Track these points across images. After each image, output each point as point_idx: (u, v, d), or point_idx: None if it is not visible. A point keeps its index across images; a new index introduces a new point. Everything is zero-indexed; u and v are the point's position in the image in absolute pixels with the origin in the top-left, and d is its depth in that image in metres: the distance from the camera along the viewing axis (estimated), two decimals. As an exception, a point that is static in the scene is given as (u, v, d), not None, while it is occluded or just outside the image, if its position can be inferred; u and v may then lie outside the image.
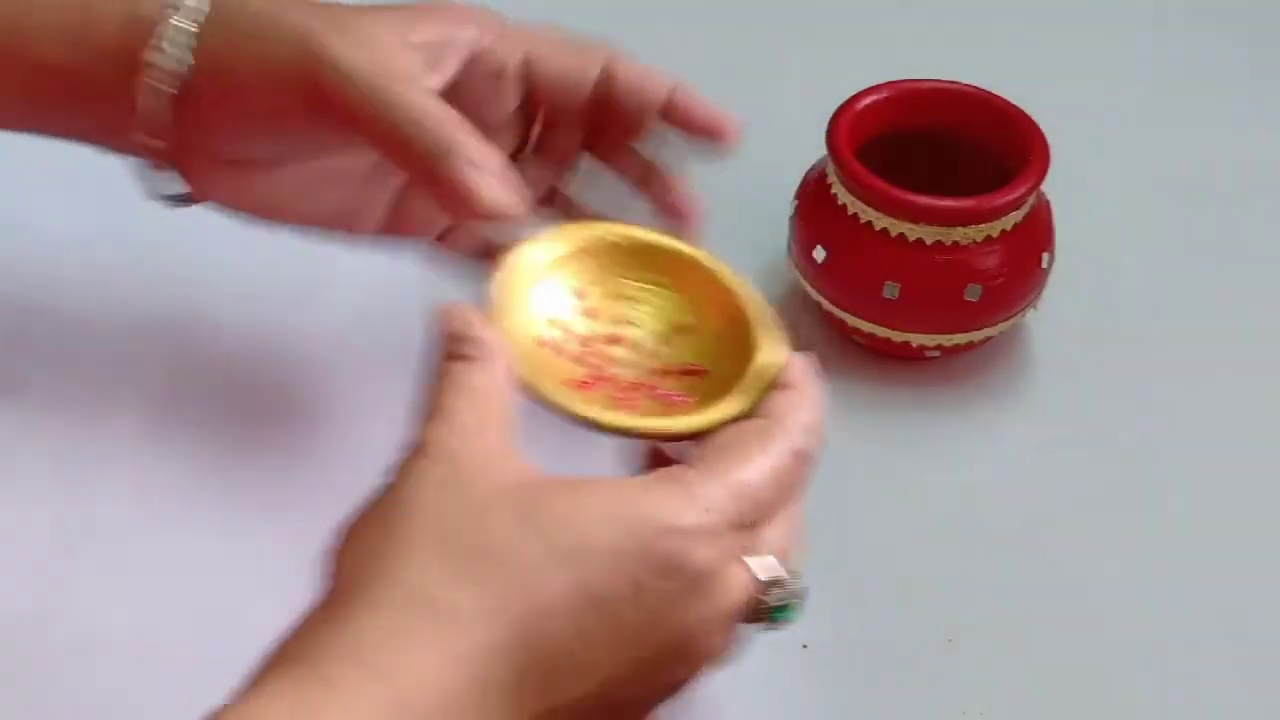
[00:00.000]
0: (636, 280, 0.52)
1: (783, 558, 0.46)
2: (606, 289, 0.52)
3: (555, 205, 0.59)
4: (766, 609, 0.45)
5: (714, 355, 0.51)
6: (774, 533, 0.46)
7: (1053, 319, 0.69)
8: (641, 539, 0.42)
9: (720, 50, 0.81)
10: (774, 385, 0.48)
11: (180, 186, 0.57)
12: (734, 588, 0.45)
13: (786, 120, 0.70)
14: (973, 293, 0.64)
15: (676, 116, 0.57)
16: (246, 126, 0.55)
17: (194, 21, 0.53)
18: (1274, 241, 0.75)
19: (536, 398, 0.48)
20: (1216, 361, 0.69)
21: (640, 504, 0.43)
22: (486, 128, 0.53)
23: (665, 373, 0.51)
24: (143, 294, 0.68)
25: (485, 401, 0.45)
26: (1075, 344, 0.70)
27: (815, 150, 0.67)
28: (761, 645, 0.57)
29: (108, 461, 0.62)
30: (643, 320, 0.52)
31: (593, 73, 0.56)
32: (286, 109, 0.53)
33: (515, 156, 0.58)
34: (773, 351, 0.50)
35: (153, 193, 0.57)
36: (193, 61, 0.53)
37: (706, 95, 0.57)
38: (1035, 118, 0.67)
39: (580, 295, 0.52)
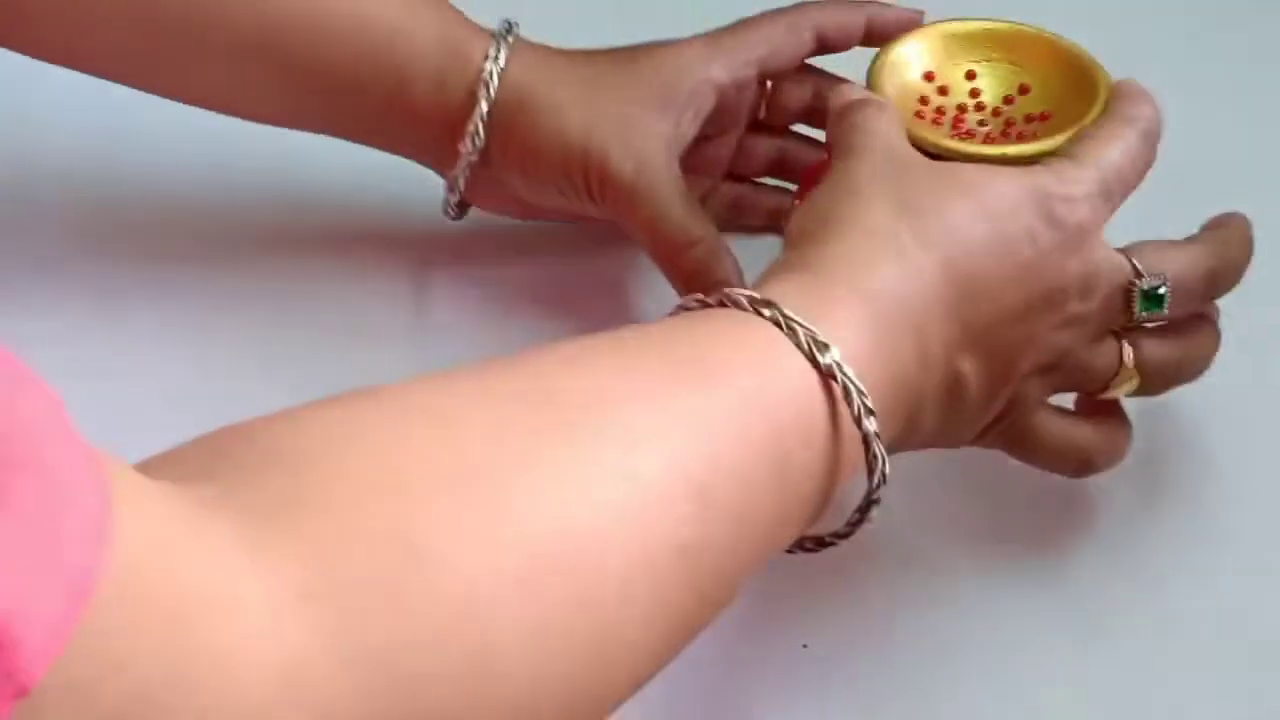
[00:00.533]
0: (975, 58, 0.62)
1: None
2: (953, 68, 0.62)
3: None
4: (1137, 292, 0.56)
5: (1057, 100, 0.60)
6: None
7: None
8: (1036, 197, 0.54)
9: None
10: (1112, 97, 0.58)
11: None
12: (1104, 257, 0.55)
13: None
14: None
15: (875, 39, 0.65)
16: (529, 193, 0.66)
17: (486, 100, 0.64)
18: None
19: (923, 145, 0.57)
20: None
21: (1034, 174, 0.55)
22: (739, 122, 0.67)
23: (1017, 123, 0.60)
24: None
25: (892, 124, 0.57)
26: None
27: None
28: (762, 646, 0.57)
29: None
30: (988, 87, 0.61)
31: (809, 44, 0.66)
32: (564, 192, 0.65)
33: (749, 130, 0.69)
34: (1106, 79, 0.60)
35: (442, 205, 0.68)
36: (487, 139, 0.64)
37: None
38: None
39: (931, 77, 0.62)
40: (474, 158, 0.65)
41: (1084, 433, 0.58)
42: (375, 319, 0.70)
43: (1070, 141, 0.57)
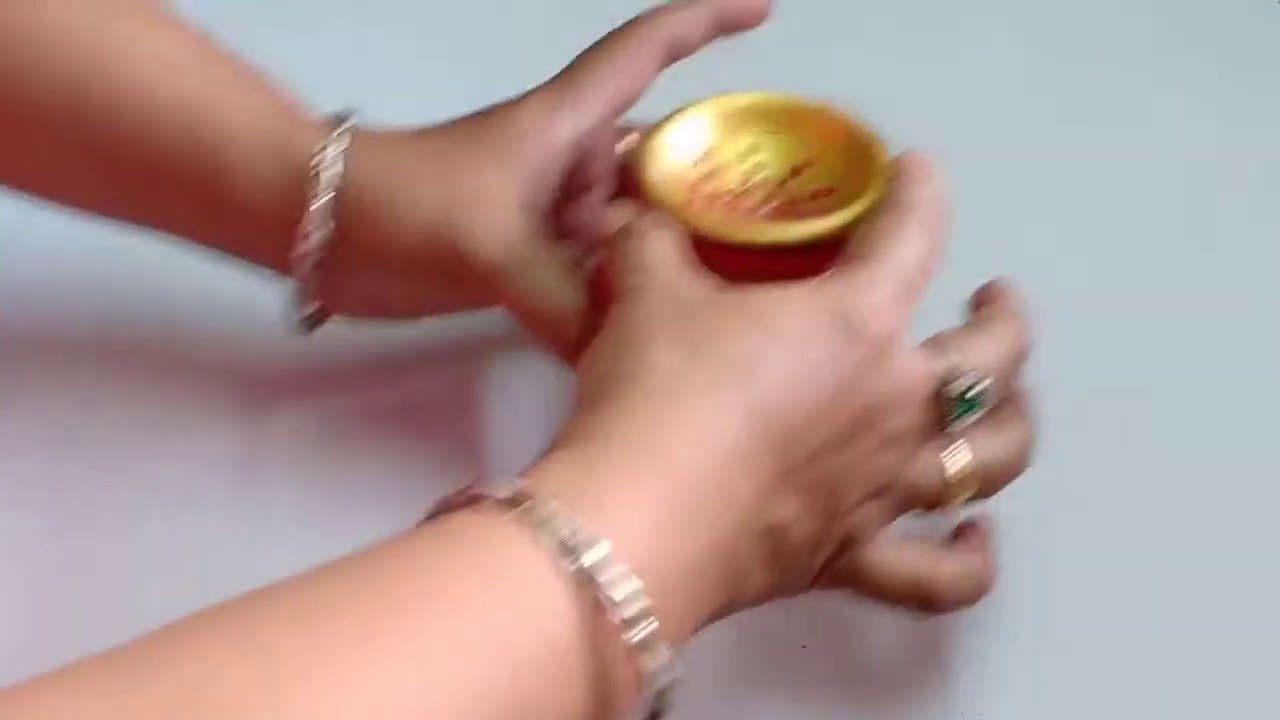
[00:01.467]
0: (754, 132, 0.60)
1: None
2: (731, 144, 0.59)
3: None
4: (951, 396, 0.52)
5: (839, 175, 0.58)
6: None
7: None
8: (833, 314, 0.49)
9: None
10: (893, 176, 0.55)
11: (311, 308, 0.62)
12: (912, 364, 0.51)
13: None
14: None
15: (727, 30, 0.62)
16: (388, 290, 0.61)
17: (331, 188, 0.58)
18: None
19: (702, 236, 0.55)
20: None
21: (826, 288, 0.50)
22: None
23: (800, 200, 0.58)
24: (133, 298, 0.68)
25: (670, 253, 0.53)
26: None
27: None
28: (760, 646, 0.57)
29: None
30: (769, 163, 0.59)
31: (658, 64, 0.61)
32: (427, 282, 0.59)
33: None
34: (883, 150, 0.57)
35: (288, 317, 0.61)
36: (333, 226, 0.58)
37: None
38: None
39: (710, 154, 0.59)
40: (315, 259, 0.59)
41: (927, 563, 0.54)
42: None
43: (857, 220, 0.55)
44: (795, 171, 0.59)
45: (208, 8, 0.81)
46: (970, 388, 0.52)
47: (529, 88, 0.61)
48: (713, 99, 0.60)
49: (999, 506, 0.62)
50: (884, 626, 0.59)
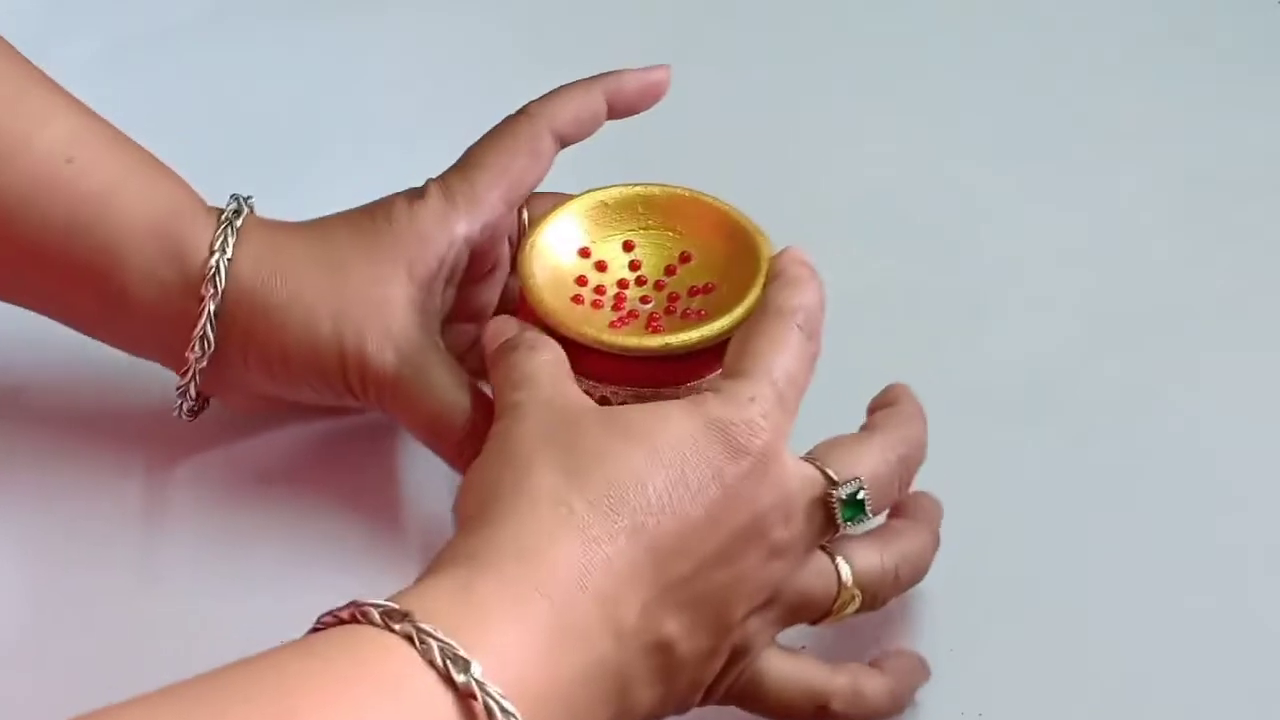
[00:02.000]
0: (631, 227, 0.59)
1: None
2: (608, 241, 0.58)
3: None
4: (836, 502, 0.51)
5: (721, 270, 0.57)
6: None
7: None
8: (713, 430, 0.49)
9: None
10: (772, 277, 0.54)
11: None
12: (795, 474, 0.51)
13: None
14: None
15: (621, 113, 0.61)
16: (279, 392, 0.60)
17: (220, 295, 0.57)
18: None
19: (583, 343, 0.54)
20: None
21: (706, 404, 0.50)
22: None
23: (681, 297, 0.58)
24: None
25: (551, 369, 0.52)
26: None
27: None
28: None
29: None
30: (647, 258, 0.58)
31: (550, 152, 0.60)
32: (320, 391, 0.59)
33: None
34: (769, 251, 0.56)
35: (176, 405, 0.60)
36: (219, 333, 0.57)
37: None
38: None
39: (588, 253, 0.58)
40: (204, 364, 0.58)
41: (821, 676, 0.53)
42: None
43: (739, 322, 0.54)
44: (674, 267, 0.58)
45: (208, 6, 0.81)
46: (855, 493, 0.52)
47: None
48: (587, 194, 0.59)
49: (1005, 509, 0.63)
50: (886, 627, 0.59)
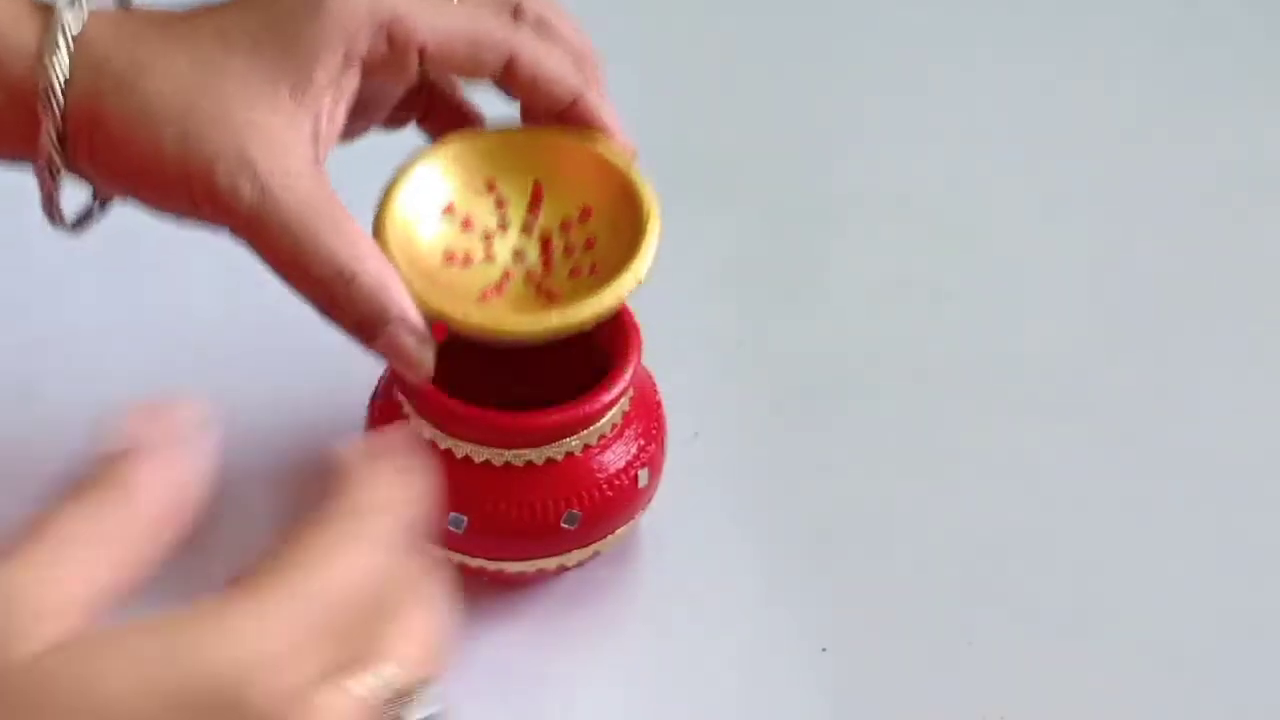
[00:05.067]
0: (502, 175, 0.53)
1: (410, 659, 0.34)
2: (475, 191, 0.53)
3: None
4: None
5: (603, 222, 0.52)
6: (395, 630, 0.34)
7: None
8: (169, 688, 0.31)
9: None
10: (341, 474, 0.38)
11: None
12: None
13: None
14: (570, 519, 0.54)
15: (573, 121, 0.53)
16: (139, 204, 0.50)
17: (62, 73, 0.47)
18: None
19: (450, 323, 0.49)
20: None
21: (170, 644, 0.32)
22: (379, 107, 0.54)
23: (567, 254, 0.52)
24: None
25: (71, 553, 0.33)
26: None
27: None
28: (781, 650, 0.57)
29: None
30: (516, 211, 0.53)
31: (491, 69, 0.51)
32: (176, 213, 0.49)
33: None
34: (652, 227, 0.51)
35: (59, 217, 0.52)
36: (67, 145, 0.48)
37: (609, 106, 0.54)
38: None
39: (451, 208, 0.52)
40: (58, 159, 0.49)
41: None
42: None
43: (624, 297, 0.49)
44: (565, 224, 0.52)
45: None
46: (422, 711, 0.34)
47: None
48: (444, 144, 0.53)
49: (1025, 508, 0.63)
50: (904, 629, 0.59)
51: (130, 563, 0.33)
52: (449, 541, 0.54)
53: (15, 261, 0.68)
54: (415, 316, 0.47)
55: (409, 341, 0.48)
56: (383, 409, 0.56)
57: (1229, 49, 0.85)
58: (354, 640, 0.33)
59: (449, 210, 0.52)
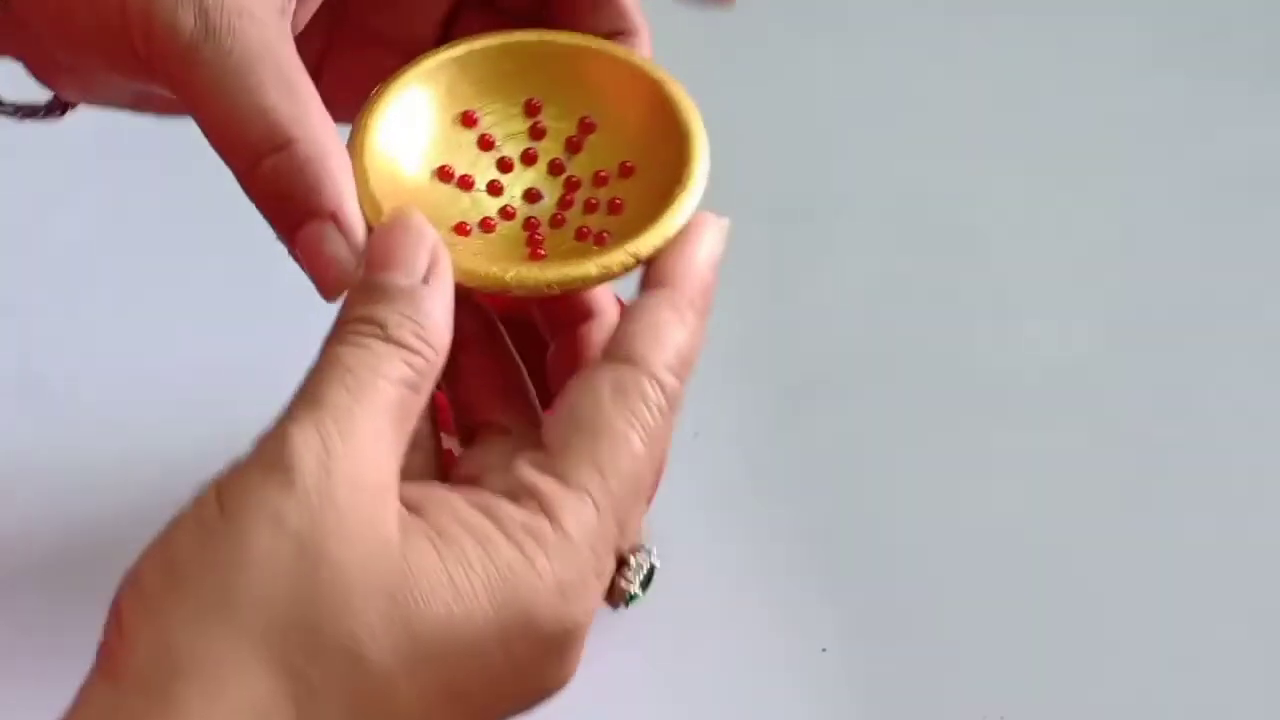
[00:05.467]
0: (528, 89, 0.43)
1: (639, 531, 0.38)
2: (496, 108, 0.43)
3: None
4: (629, 596, 0.38)
5: (641, 148, 0.42)
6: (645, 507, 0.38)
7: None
8: (518, 628, 0.35)
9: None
10: (653, 279, 0.39)
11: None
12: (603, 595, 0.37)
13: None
14: None
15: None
16: (66, 57, 0.41)
17: None
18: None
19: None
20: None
21: (516, 585, 0.35)
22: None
23: (588, 184, 0.42)
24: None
25: (381, 412, 0.35)
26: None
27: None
28: (782, 650, 0.57)
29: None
30: (548, 129, 0.43)
31: None
32: (108, 58, 0.40)
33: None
34: (698, 167, 0.41)
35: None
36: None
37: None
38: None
39: (466, 123, 0.43)
40: None
41: None
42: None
43: (665, 245, 0.39)
44: (576, 140, 0.43)
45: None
46: (648, 575, 0.38)
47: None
48: (430, 55, 0.42)
49: (1027, 509, 0.63)
50: (904, 629, 0.59)
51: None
52: None
53: (16, 261, 0.68)
54: (354, 215, 0.37)
55: (333, 248, 0.37)
56: None
57: (1230, 49, 0.84)
58: (628, 530, 0.37)
59: (466, 120, 0.43)
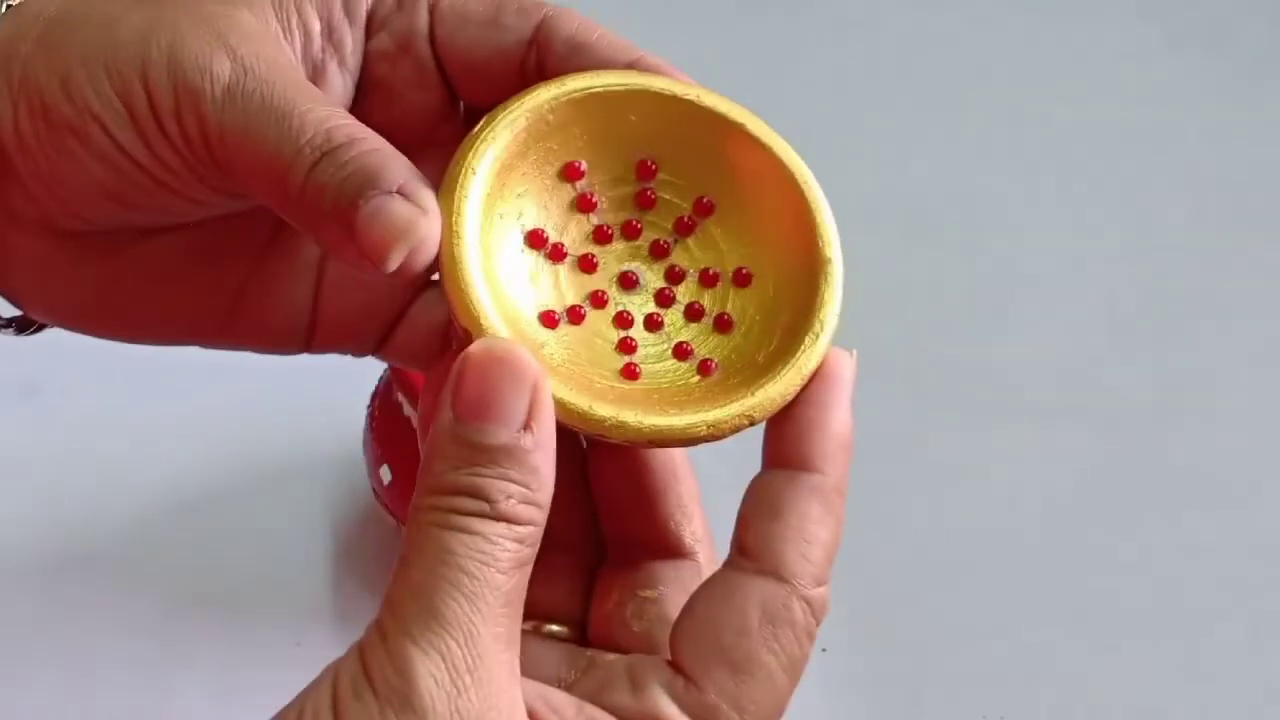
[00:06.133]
0: (647, 147, 0.37)
1: None
2: (604, 162, 0.37)
3: None
4: None
5: (763, 254, 0.36)
6: None
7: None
8: None
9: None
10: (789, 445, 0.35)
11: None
12: None
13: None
14: None
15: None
16: (68, 200, 0.37)
17: None
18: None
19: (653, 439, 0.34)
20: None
21: None
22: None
23: (693, 281, 0.37)
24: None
25: (501, 617, 0.32)
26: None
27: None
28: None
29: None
30: (658, 200, 0.37)
31: (517, 35, 0.38)
32: (122, 153, 0.36)
33: None
34: (830, 306, 0.35)
35: None
36: None
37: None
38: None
39: (569, 175, 0.36)
40: None
41: None
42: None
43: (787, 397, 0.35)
44: (685, 224, 0.37)
45: None
46: None
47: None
48: (547, 89, 0.36)
49: (1026, 507, 0.63)
50: (904, 629, 0.59)
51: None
52: None
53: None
54: (423, 193, 0.33)
55: (402, 209, 0.33)
56: (383, 410, 0.56)
57: (1231, 48, 0.84)
58: None
59: (569, 172, 0.36)
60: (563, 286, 0.36)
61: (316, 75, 0.38)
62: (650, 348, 0.36)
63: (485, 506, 0.32)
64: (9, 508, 0.61)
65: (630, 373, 0.35)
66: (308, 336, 0.40)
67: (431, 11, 0.38)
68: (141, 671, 0.57)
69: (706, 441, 0.34)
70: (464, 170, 0.34)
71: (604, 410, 0.33)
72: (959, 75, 0.80)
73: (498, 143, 0.35)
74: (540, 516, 0.32)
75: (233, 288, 0.40)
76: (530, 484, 0.32)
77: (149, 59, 0.35)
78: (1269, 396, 0.68)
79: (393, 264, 0.33)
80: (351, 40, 0.38)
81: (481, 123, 0.35)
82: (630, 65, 0.37)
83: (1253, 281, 0.73)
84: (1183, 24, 0.86)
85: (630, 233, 0.36)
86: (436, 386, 0.34)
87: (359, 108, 0.38)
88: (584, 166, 0.36)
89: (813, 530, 0.35)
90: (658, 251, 0.36)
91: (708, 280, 0.36)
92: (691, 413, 0.34)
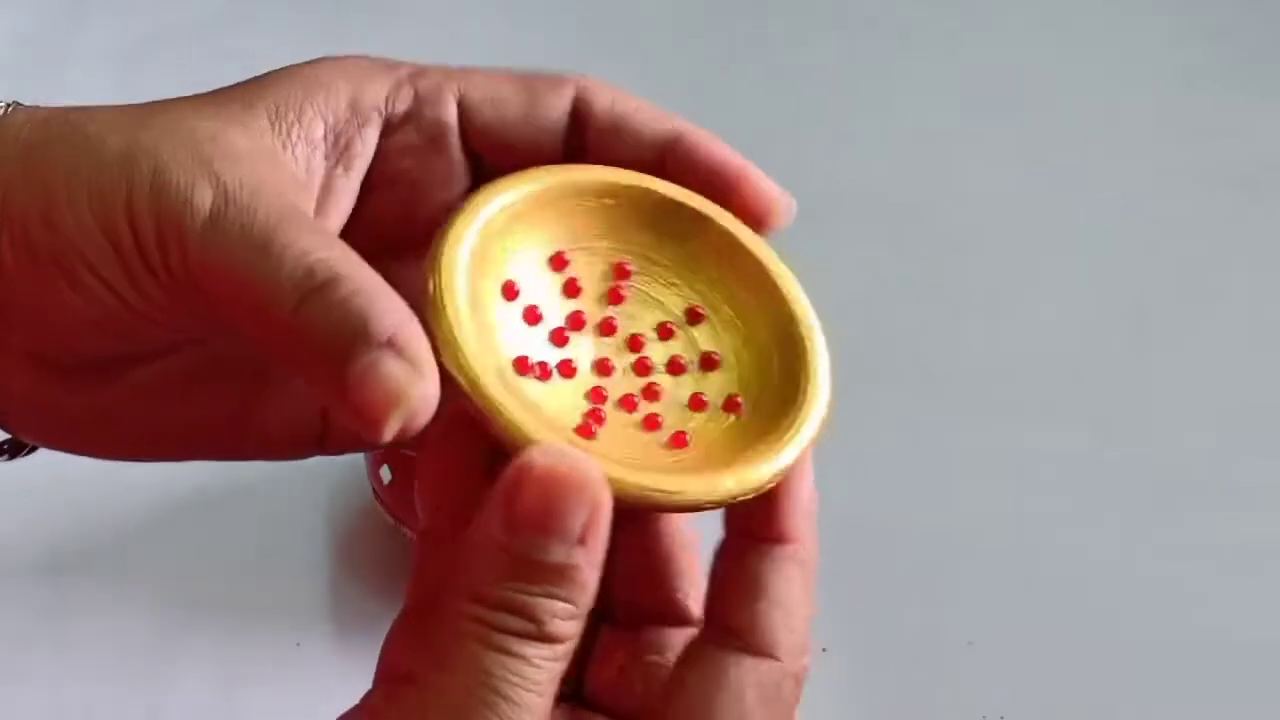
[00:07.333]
0: (632, 243, 0.37)
1: None
2: (591, 252, 0.37)
3: None
4: None
5: (745, 350, 0.38)
6: None
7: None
8: None
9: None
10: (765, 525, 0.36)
11: None
12: None
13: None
14: None
15: (687, 176, 0.38)
16: (52, 334, 0.36)
17: None
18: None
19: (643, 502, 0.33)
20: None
21: None
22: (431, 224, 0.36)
23: (676, 368, 0.37)
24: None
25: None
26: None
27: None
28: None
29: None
30: (646, 293, 0.37)
31: (557, 113, 0.38)
32: (105, 284, 0.35)
33: None
34: (815, 403, 0.37)
35: None
36: None
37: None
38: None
39: (556, 263, 0.37)
40: None
41: None
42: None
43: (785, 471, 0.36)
44: (664, 327, 0.37)
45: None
46: None
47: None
48: (558, 171, 0.37)
49: (1025, 505, 0.63)
50: (905, 629, 0.59)
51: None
52: None
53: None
54: (416, 340, 0.32)
55: (396, 370, 0.31)
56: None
57: (1228, 46, 0.85)
58: None
59: (557, 262, 0.37)
60: (555, 311, 0.36)
61: (322, 185, 0.37)
62: (616, 418, 0.36)
63: (532, 628, 0.31)
64: (9, 508, 0.61)
65: (679, 441, 0.35)
66: (320, 441, 0.39)
67: (459, 103, 0.38)
68: (141, 671, 0.57)
69: (685, 511, 0.34)
70: (444, 256, 0.34)
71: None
72: (958, 74, 0.80)
73: (492, 226, 0.35)
74: (579, 628, 0.31)
75: (236, 405, 0.39)
76: (578, 601, 0.31)
77: (133, 186, 0.34)
78: (1269, 396, 0.68)
79: (388, 434, 0.31)
80: (361, 141, 0.37)
81: (484, 188, 0.36)
82: (669, 135, 0.38)
83: (1252, 280, 0.73)
84: (1184, 20, 0.86)
85: (606, 330, 0.37)
86: (433, 471, 0.34)
87: (374, 204, 0.38)
88: (570, 256, 0.36)
89: (797, 606, 0.35)
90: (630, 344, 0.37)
91: (675, 368, 0.37)
92: (678, 480, 0.33)
